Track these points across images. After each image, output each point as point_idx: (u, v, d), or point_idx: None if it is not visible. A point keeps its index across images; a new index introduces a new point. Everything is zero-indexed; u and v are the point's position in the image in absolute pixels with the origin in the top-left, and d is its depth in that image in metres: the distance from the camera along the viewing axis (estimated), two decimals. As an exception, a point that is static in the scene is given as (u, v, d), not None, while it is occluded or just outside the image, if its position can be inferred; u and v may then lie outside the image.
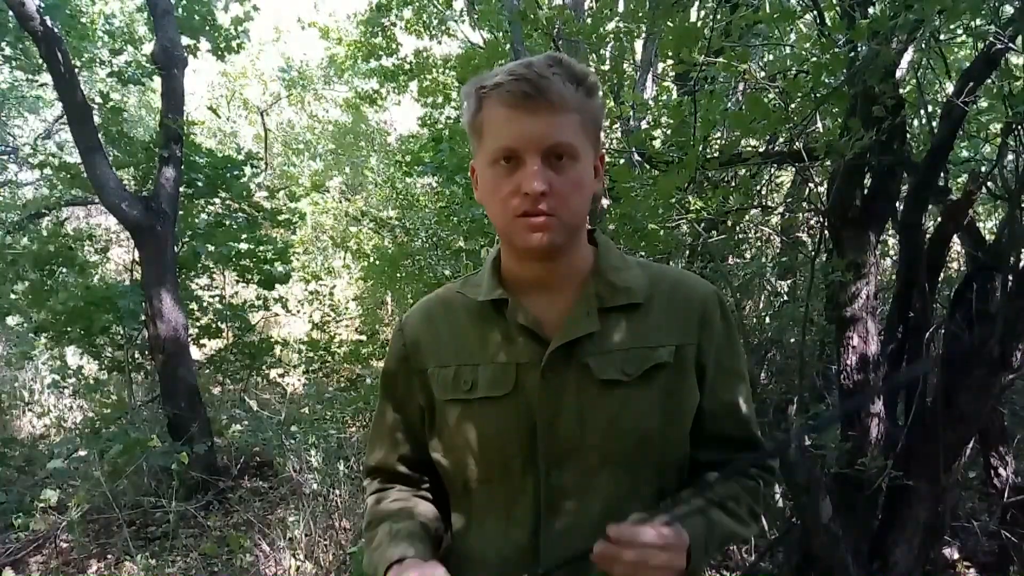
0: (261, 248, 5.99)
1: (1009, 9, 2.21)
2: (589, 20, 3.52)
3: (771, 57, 3.41)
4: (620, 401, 0.88)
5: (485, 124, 0.85)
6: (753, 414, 0.98)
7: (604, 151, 0.96)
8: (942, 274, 2.72)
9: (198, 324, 5.77)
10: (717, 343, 0.94)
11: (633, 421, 0.88)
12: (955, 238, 2.63)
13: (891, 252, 3.71)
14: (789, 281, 3.80)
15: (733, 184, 3.19)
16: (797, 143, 2.43)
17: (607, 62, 4.44)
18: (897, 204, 2.60)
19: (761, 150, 3.19)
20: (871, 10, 2.11)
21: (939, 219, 2.56)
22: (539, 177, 0.81)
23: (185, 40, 5.26)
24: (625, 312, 0.91)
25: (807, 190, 3.13)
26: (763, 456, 1.01)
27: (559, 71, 0.82)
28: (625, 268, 0.94)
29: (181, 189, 5.05)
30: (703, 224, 2.90)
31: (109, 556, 3.70)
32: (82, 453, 4.15)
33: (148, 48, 5.77)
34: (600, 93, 0.90)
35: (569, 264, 0.92)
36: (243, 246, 5.84)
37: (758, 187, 3.52)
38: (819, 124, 2.56)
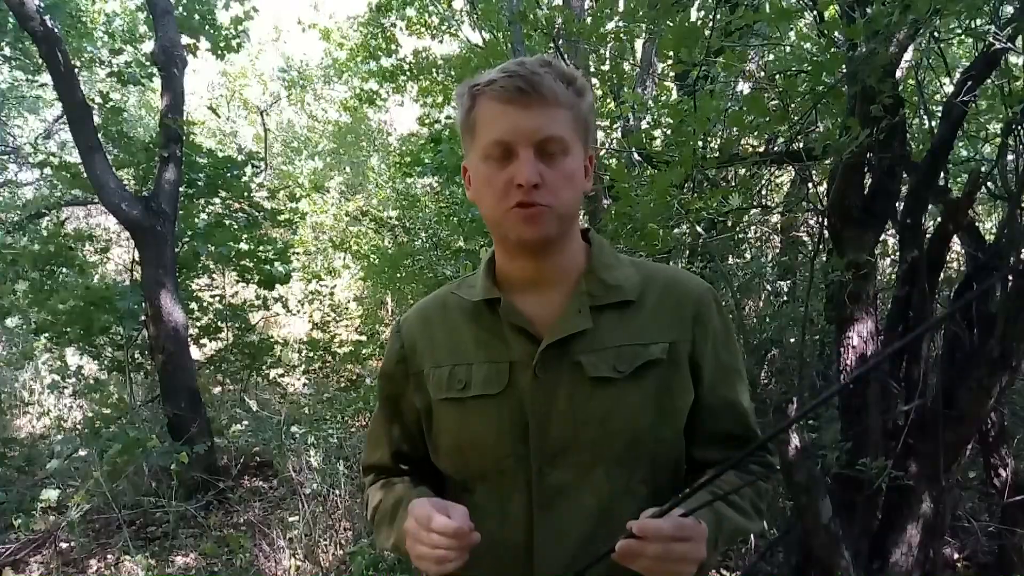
0: (261, 248, 5.99)
1: (1009, 9, 2.21)
2: (589, 20, 3.51)
3: (771, 57, 3.40)
4: (612, 398, 0.88)
5: (478, 121, 0.87)
6: (752, 411, 0.98)
7: (594, 153, 0.96)
8: (942, 274, 2.72)
9: (198, 324, 5.76)
10: (713, 340, 0.93)
11: (625, 418, 0.88)
12: (955, 238, 2.63)
13: (891, 252, 3.71)
14: (789, 281, 3.80)
15: (733, 184, 3.19)
16: (797, 143, 2.43)
17: (607, 62, 4.44)
18: (897, 203, 2.60)
19: (760, 150, 3.19)
20: (869, 9, 2.11)
21: (939, 219, 2.56)
22: (532, 168, 0.83)
23: (185, 39, 5.25)
24: (618, 310, 0.91)
25: (807, 190, 3.12)
26: (763, 451, 0.99)
27: (550, 70, 0.85)
28: (618, 266, 0.95)
29: (181, 189, 5.04)
30: (703, 224, 2.90)
31: (109, 556, 3.69)
32: (82, 453, 4.15)
33: (148, 48, 5.77)
34: (590, 95, 0.91)
35: (561, 262, 0.93)
36: (243, 246, 5.84)
37: (758, 187, 3.51)
38: (819, 124, 2.56)
